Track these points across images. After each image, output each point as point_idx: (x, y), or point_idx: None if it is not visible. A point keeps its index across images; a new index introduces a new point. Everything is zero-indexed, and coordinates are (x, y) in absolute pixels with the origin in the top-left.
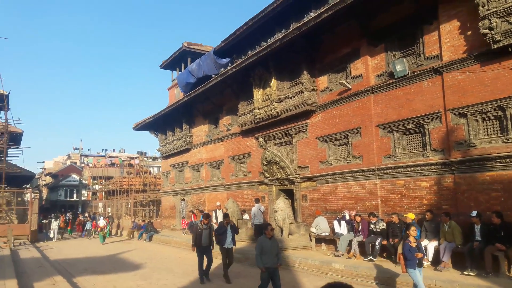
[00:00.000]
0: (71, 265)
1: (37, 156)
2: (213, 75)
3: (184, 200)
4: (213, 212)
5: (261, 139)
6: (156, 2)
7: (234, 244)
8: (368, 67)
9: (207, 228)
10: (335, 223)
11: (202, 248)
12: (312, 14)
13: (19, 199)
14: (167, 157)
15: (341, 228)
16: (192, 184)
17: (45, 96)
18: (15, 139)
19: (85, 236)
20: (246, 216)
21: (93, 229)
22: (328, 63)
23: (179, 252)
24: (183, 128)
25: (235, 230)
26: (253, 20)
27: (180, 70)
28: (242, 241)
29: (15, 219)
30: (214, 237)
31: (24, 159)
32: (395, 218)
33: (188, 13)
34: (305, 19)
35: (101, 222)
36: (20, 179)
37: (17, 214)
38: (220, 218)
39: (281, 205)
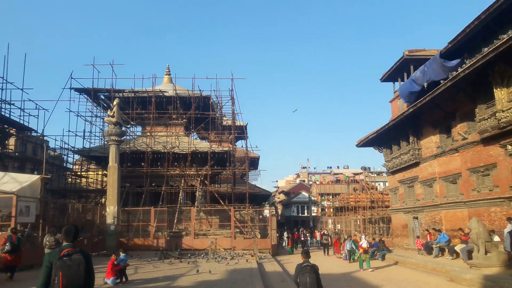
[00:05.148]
0: None
1: (271, 176)
2: (441, 81)
3: (416, 218)
4: None
5: (509, 147)
6: (371, 14)
7: None
8: None
9: None
10: None
11: None
12: None
13: (260, 216)
14: (393, 172)
15: None
16: (425, 201)
17: (274, 123)
18: (253, 163)
19: (347, 259)
20: (496, 238)
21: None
22: None
23: (416, 274)
24: (410, 140)
25: None
26: (486, 12)
27: (402, 81)
28: (492, 266)
29: (258, 233)
30: None
31: (261, 180)
32: None
33: (406, 20)
34: None
35: (364, 243)
36: (259, 198)
37: (259, 229)
38: None
39: None
